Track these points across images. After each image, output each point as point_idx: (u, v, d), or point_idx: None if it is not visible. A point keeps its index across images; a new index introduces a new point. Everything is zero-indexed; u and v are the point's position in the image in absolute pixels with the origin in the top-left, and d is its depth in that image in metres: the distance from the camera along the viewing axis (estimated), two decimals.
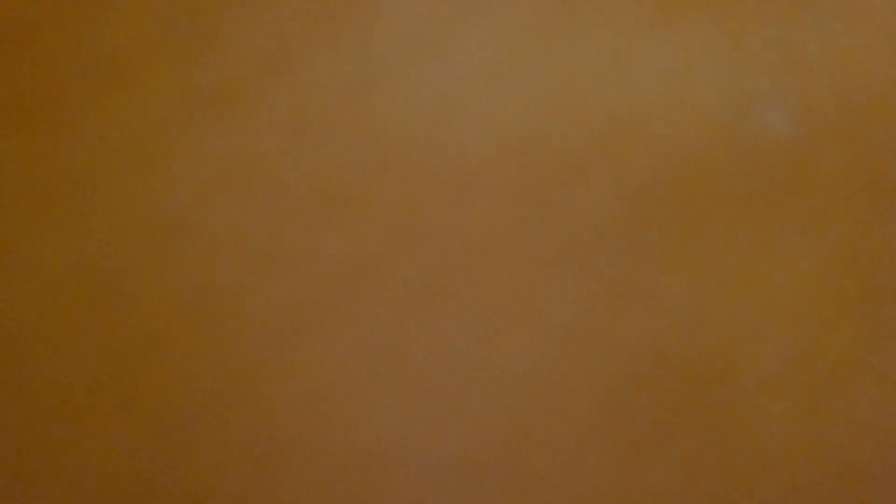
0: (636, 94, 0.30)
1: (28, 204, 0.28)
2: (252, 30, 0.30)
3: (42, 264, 0.28)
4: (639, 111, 0.30)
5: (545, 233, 0.30)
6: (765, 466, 0.29)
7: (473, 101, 0.31)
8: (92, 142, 0.29)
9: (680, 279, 0.29)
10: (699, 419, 0.29)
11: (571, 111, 0.30)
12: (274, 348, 0.29)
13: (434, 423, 0.29)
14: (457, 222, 0.31)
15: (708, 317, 0.29)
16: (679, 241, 0.29)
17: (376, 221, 0.30)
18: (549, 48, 0.30)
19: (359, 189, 0.30)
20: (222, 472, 0.28)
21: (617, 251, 0.29)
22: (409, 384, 0.29)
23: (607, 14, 0.29)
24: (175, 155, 0.29)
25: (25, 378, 0.28)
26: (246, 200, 0.30)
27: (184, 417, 0.28)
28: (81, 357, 0.28)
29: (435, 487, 0.28)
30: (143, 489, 0.28)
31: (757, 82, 0.29)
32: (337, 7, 0.31)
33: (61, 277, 0.28)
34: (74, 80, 0.29)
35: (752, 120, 0.29)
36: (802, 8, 0.29)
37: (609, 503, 0.28)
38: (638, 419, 0.29)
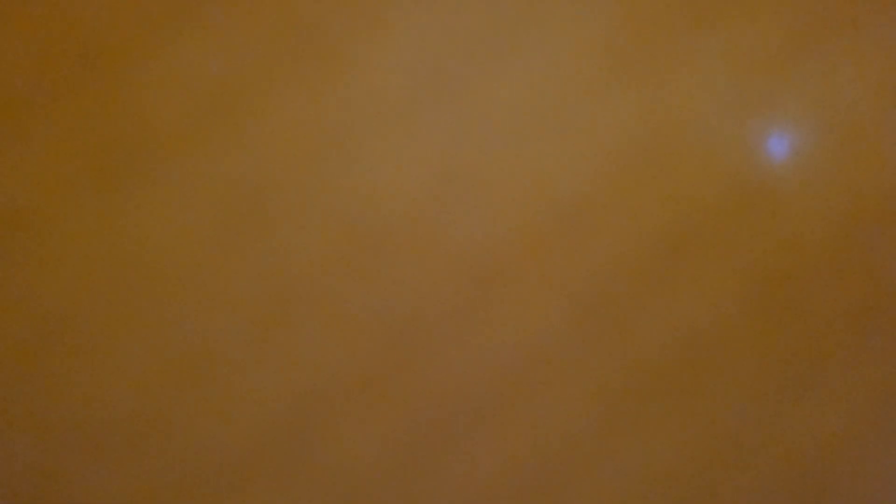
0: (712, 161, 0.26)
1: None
2: (197, 60, 0.25)
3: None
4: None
5: (611, 360, 0.25)
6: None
7: (492, 166, 0.24)
8: None
9: None
10: None
11: (627, 180, 0.25)
12: None
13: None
14: (472, 334, 0.25)
15: None
16: None
17: (355, 334, 0.25)
18: (589, 99, 0.25)
19: (331, 290, 0.24)
20: None
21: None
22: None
23: (643, 65, 0.27)
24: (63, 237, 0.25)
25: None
26: (156, 309, 0.25)
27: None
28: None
29: None
30: None
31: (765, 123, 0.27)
32: (314, 35, 0.25)
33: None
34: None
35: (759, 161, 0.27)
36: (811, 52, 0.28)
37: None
38: None
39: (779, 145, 0.27)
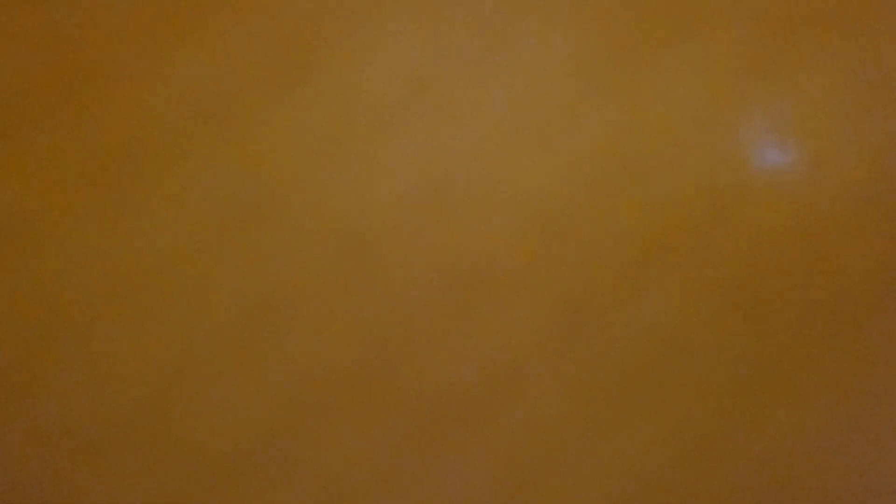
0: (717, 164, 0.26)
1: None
2: (190, 70, 0.25)
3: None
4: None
5: (592, 362, 0.25)
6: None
7: (475, 174, 0.25)
8: None
9: None
10: None
11: (624, 190, 0.25)
12: None
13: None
14: (457, 338, 0.25)
15: None
16: None
17: (343, 338, 0.25)
18: (568, 108, 0.25)
19: (320, 295, 0.25)
20: None
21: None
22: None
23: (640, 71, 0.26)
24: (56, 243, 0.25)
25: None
26: (149, 313, 0.25)
27: None
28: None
29: None
30: None
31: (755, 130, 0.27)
32: (302, 45, 0.25)
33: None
34: None
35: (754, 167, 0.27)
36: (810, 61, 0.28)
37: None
38: None
39: (751, 153, 0.27)
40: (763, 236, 0.27)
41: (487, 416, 0.26)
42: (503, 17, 0.26)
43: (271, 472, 0.26)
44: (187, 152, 0.25)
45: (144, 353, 0.25)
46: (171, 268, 0.25)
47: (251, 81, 0.26)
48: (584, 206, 0.25)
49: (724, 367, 0.27)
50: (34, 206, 0.26)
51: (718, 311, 0.27)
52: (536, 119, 0.26)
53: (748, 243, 0.27)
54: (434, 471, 0.26)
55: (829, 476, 0.29)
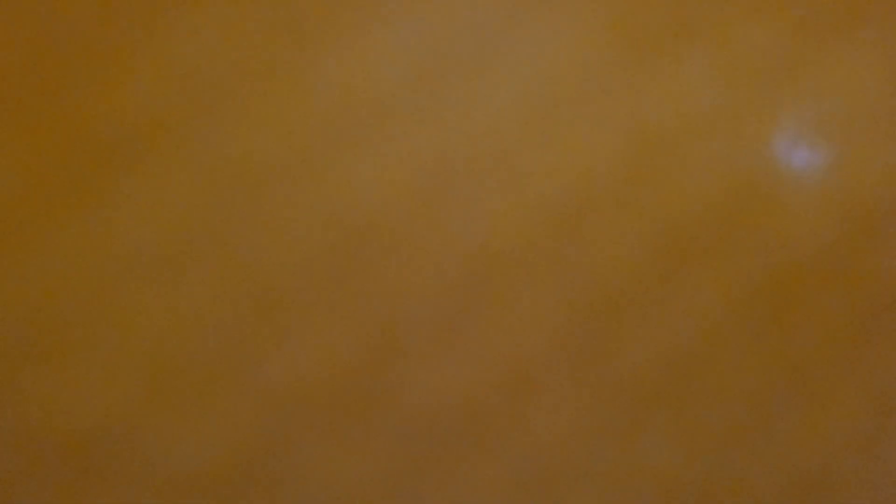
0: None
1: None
2: (181, 55, 0.23)
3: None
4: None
5: (604, 367, 0.24)
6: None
7: (482, 169, 0.24)
8: None
9: None
10: None
11: (632, 189, 0.24)
12: None
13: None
14: (462, 339, 0.24)
15: None
16: None
17: (341, 339, 0.23)
18: (581, 104, 0.24)
19: (317, 293, 0.23)
20: None
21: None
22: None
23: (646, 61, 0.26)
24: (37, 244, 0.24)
25: None
26: (135, 310, 0.23)
27: None
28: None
29: None
30: None
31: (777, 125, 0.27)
32: (301, 31, 0.24)
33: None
34: None
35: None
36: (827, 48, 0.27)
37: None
38: None
39: (774, 153, 0.27)
40: (787, 237, 0.26)
41: (495, 428, 0.25)
42: (512, 8, 0.25)
43: (259, 490, 0.25)
44: (178, 144, 0.25)
45: (125, 363, 0.24)
46: (156, 268, 0.24)
47: (247, 72, 0.25)
48: (603, 201, 0.25)
49: (748, 373, 0.26)
50: (16, 196, 0.25)
51: (742, 315, 0.26)
52: (547, 113, 0.25)
53: (772, 244, 0.26)
54: (439, 488, 0.25)
55: (857, 482, 0.28)
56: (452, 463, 0.25)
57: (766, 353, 0.27)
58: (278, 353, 0.24)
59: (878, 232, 0.27)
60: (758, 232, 0.26)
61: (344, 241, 0.24)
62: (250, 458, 0.25)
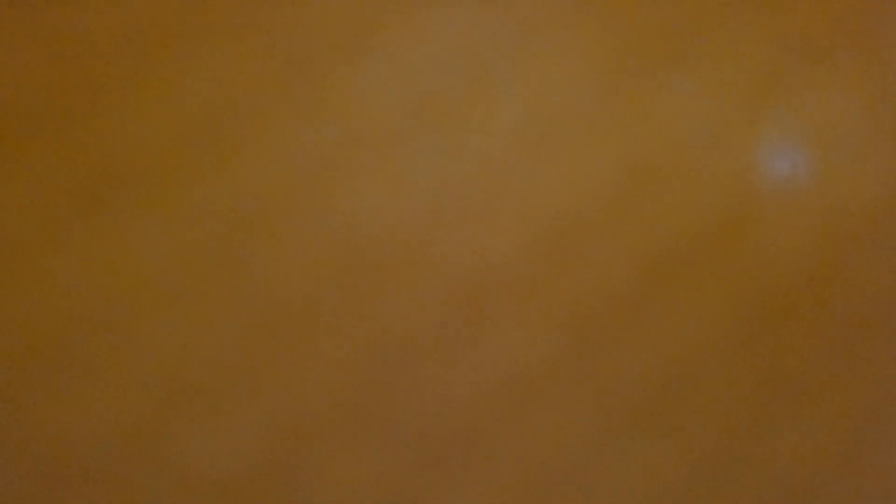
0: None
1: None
2: (185, 85, 0.24)
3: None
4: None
5: (602, 383, 0.25)
6: None
7: (482, 190, 0.24)
8: None
9: None
10: None
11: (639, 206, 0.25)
12: None
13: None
14: (463, 356, 0.24)
15: None
16: None
17: (345, 359, 0.24)
18: (578, 126, 0.25)
19: (321, 314, 0.24)
20: None
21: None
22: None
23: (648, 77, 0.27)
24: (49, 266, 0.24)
25: None
26: (143, 333, 0.24)
27: None
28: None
29: None
30: None
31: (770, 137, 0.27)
32: (303, 57, 0.24)
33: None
34: None
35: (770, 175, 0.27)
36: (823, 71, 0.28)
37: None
38: None
39: (766, 169, 0.27)
40: (778, 252, 0.27)
41: (496, 439, 0.26)
42: (514, 30, 0.26)
43: (269, 497, 0.26)
44: (186, 166, 0.25)
45: (139, 376, 0.25)
46: (168, 286, 0.25)
47: (255, 93, 0.25)
48: (596, 220, 0.25)
49: (740, 384, 0.27)
50: (23, 226, 0.25)
51: (734, 328, 0.26)
52: (548, 133, 0.25)
53: (763, 259, 0.27)
54: (441, 498, 0.26)
55: (848, 495, 0.29)
56: (456, 473, 0.26)
57: (758, 366, 0.27)
58: (288, 368, 0.25)
59: (864, 251, 0.27)
60: (748, 250, 0.26)
61: (348, 263, 0.25)
62: (261, 470, 0.25)
